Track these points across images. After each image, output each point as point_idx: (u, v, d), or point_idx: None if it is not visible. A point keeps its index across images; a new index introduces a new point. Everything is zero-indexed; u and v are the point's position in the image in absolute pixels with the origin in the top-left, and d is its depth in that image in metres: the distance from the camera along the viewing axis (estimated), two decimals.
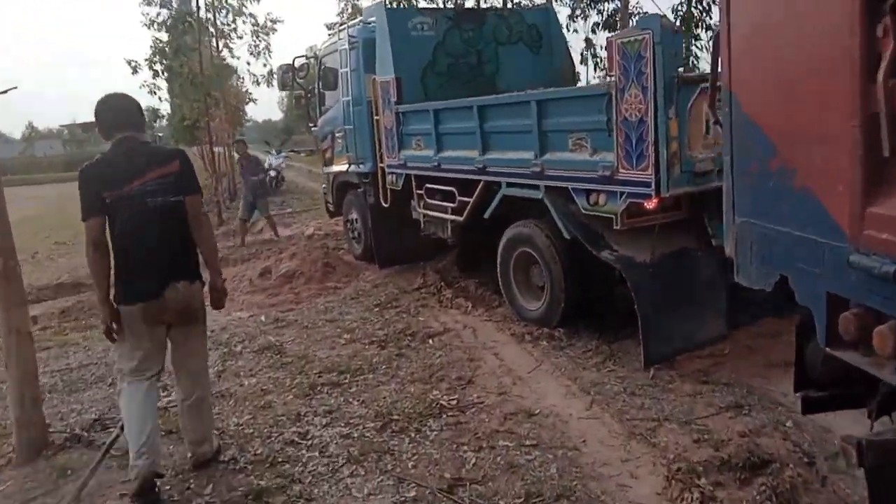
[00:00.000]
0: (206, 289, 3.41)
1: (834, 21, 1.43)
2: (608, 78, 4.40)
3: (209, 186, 19.13)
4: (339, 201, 8.75)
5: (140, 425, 3.08)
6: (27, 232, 18.74)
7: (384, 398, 4.22)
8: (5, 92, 3.35)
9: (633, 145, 4.07)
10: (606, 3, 13.25)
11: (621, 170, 4.18)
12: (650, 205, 4.20)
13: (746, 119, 1.88)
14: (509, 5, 14.13)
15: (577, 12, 13.06)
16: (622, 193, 4.22)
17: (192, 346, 3.38)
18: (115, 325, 3.11)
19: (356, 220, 8.27)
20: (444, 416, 3.88)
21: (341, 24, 8.42)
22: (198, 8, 14.66)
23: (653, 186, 3.98)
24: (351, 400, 4.25)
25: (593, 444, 3.40)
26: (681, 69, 3.95)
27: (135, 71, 15.83)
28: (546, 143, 4.86)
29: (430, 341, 5.24)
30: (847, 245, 1.48)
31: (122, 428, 3.41)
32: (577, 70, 8.84)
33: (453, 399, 4.09)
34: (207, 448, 3.47)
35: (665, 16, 4.58)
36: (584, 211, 4.60)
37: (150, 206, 3.06)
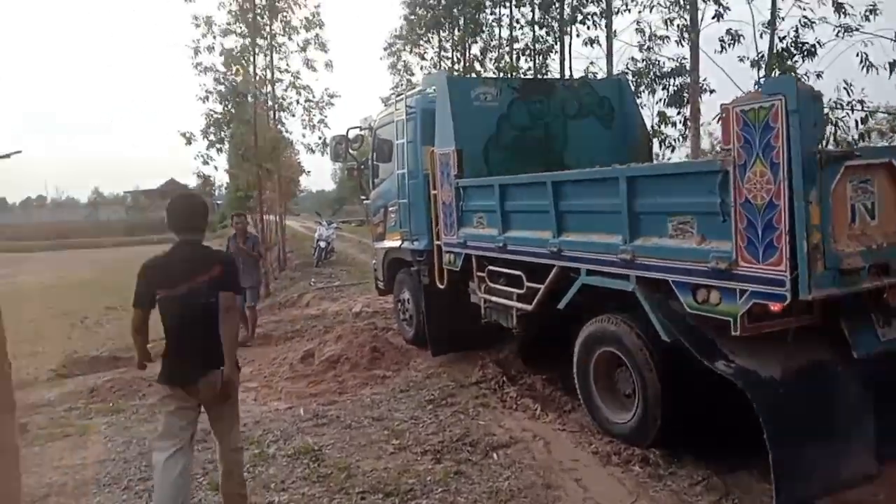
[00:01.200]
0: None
1: None
2: (722, 151, 3.68)
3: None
4: (390, 279, 8.15)
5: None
6: (83, 295, 18.93)
7: None
8: (7, 156, 2.87)
9: (758, 234, 3.31)
10: (672, 79, 12.72)
11: (742, 263, 3.40)
12: (777, 307, 3.38)
13: None
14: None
15: (642, 88, 12.53)
16: (744, 292, 3.42)
17: (226, 423, 3.71)
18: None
19: (408, 300, 7.62)
20: None
21: (398, 94, 8.02)
22: (255, 78, 14.77)
23: (788, 286, 3.19)
24: None
25: None
26: (821, 143, 3.21)
27: (189, 142, 15.96)
28: (638, 226, 4.13)
29: (495, 455, 4.42)
30: None
31: None
32: (653, 146, 8.20)
33: None
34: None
35: (801, 78, 3.90)
36: (689, 310, 3.80)
37: (193, 305, 3.44)
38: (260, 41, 15.38)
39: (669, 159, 14.63)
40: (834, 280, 3.20)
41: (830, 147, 8.57)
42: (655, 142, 12.95)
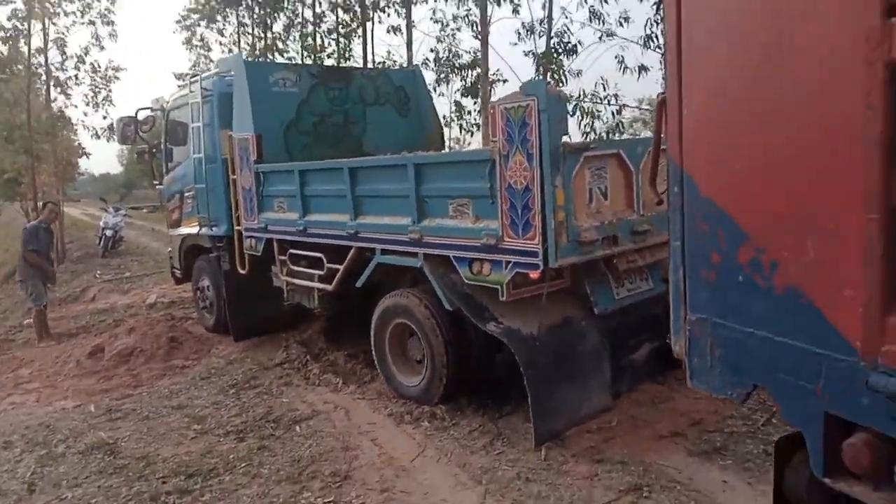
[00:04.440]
0: None
1: (844, 87, 1.21)
2: (491, 143, 4.23)
3: None
4: (188, 266, 7.88)
5: None
6: None
7: None
8: None
9: (518, 213, 3.89)
10: (469, 70, 13.62)
11: (507, 238, 3.97)
12: (535, 275, 4.01)
13: (707, 203, 1.64)
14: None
15: (441, 76, 13.28)
16: (508, 263, 4.00)
17: None
18: None
19: (208, 287, 7.45)
20: None
21: (193, 76, 7.75)
22: (29, 54, 13.09)
23: (541, 256, 3.80)
24: None
25: None
26: (566, 137, 3.85)
27: None
28: (424, 208, 4.58)
29: (298, 428, 4.64)
30: (858, 360, 1.25)
31: None
32: (443, 134, 8.82)
33: (329, 502, 3.55)
34: None
35: (550, 82, 4.55)
36: (466, 281, 4.33)
37: None
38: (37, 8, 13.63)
39: (469, 144, 15.70)
40: (575, 250, 3.88)
41: (589, 137, 9.95)
42: (456, 127, 13.85)
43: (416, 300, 4.75)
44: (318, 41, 17.00)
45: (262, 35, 18.96)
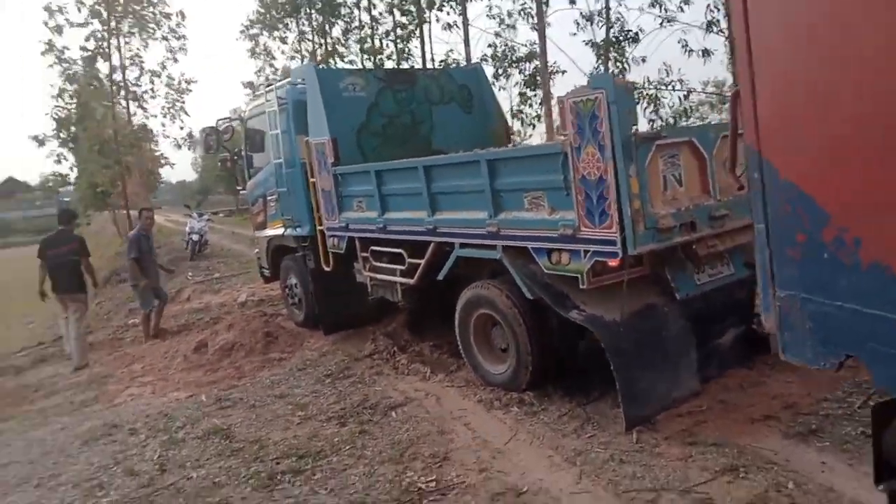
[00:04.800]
0: None
1: None
2: (562, 136, 4.40)
3: (122, 254, 18.14)
4: (276, 266, 8.38)
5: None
6: None
7: (354, 484, 3.91)
8: None
9: (594, 203, 4.04)
10: (527, 63, 13.70)
11: (584, 228, 4.14)
12: (613, 262, 4.16)
13: (787, 187, 1.79)
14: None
15: (500, 72, 13.41)
16: (587, 252, 4.17)
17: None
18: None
19: (296, 285, 7.91)
20: (425, 501, 3.61)
21: (267, 85, 8.21)
22: (111, 71, 14.06)
23: (618, 245, 3.94)
24: (317, 489, 3.91)
25: None
26: (636, 127, 3.98)
27: (41, 144, 15.08)
28: (500, 202, 4.78)
29: (393, 414, 4.96)
30: None
31: None
32: (510, 128, 8.98)
33: (431, 480, 3.83)
34: None
35: (618, 74, 4.67)
36: (546, 270, 4.51)
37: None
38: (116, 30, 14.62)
39: (530, 136, 15.79)
40: (653, 237, 4.00)
41: (655, 124, 9.91)
42: (517, 121, 13.96)
43: (498, 291, 4.97)
44: (377, 44, 17.41)
45: (322, 41, 19.54)
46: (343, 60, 17.91)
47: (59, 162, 15.26)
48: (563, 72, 13.59)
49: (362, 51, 17.83)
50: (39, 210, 60.08)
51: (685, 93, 10.31)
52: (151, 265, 8.82)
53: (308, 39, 20.24)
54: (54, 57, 14.93)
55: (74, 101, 14.97)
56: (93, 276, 8.53)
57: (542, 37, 11.51)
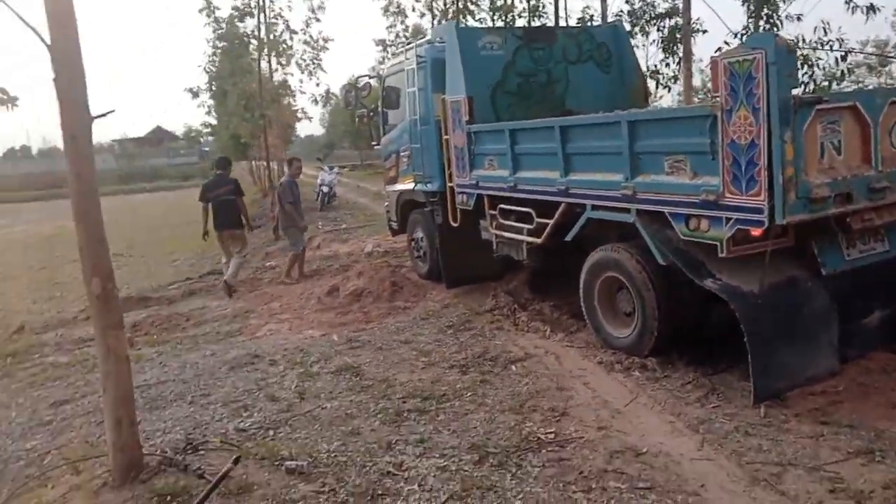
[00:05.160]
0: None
1: None
2: (712, 98, 4.22)
3: (258, 202, 19.49)
4: (404, 219, 8.70)
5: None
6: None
7: (475, 428, 4.08)
8: (104, 115, 3.35)
9: (742, 169, 3.88)
10: (667, 20, 13.00)
11: (728, 195, 3.98)
12: (757, 232, 3.99)
13: None
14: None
15: (637, 30, 12.83)
16: (729, 219, 4.02)
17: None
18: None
19: (422, 238, 8.19)
20: (544, 450, 3.72)
21: (407, 44, 8.40)
22: (259, 26, 14.93)
23: (766, 213, 3.78)
24: (441, 429, 4.12)
25: (714, 489, 3.19)
26: (796, 90, 3.74)
27: (195, 95, 16.41)
28: (638, 164, 4.69)
29: (513, 367, 5.09)
30: None
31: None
32: (649, 89, 8.65)
33: (550, 432, 3.93)
34: None
35: (779, 34, 4.39)
36: (682, 236, 4.40)
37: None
38: None
39: (661, 98, 15.08)
40: (805, 207, 3.79)
41: (809, 87, 9.13)
42: (652, 82, 13.37)
43: (628, 254, 4.92)
44: (507, 1, 17.14)
45: None
46: (474, 19, 17.84)
47: (209, 113, 16.60)
48: (705, 31, 12.81)
49: (491, 8, 17.65)
50: (184, 158, 65.24)
51: (843, 53, 9.38)
52: (299, 209, 9.54)
53: None
54: (207, 14, 16.11)
55: (225, 57, 16.10)
56: (246, 215, 9.30)
57: None
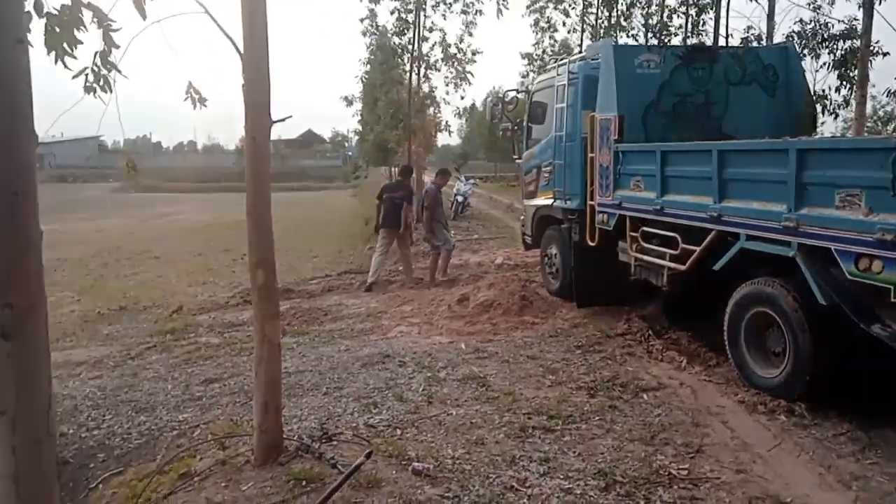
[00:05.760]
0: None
1: None
2: (894, 129, 3.85)
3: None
4: (539, 234, 8.68)
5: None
6: (239, 234, 20.55)
7: (602, 454, 3.98)
8: (283, 120, 3.65)
9: None
10: (840, 42, 12.03)
11: None
12: None
13: None
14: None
15: (806, 52, 11.98)
16: None
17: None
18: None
19: (555, 255, 8.13)
20: (675, 486, 3.55)
21: (558, 59, 8.40)
22: (413, 40, 15.55)
23: None
24: (566, 450, 4.05)
25: None
26: None
27: (350, 103, 17.49)
28: (804, 196, 4.36)
29: (645, 396, 4.91)
30: None
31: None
32: (817, 115, 8.05)
33: (683, 468, 3.74)
34: None
35: None
36: (849, 276, 4.04)
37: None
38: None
39: (823, 124, 13.90)
40: None
41: None
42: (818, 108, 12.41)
43: (784, 290, 4.59)
44: (663, 17, 16.64)
45: (608, 14, 19.22)
46: (627, 36, 17.50)
47: (360, 120, 17.52)
48: (886, 53, 11.71)
49: (645, 25, 17.22)
50: (329, 161, 69.01)
51: None
52: (440, 219, 10.11)
53: (591, 13, 20.10)
54: (370, 24, 17.06)
55: (378, 67, 16.93)
56: (405, 219, 9.79)
57: (869, 10, 9.99)
